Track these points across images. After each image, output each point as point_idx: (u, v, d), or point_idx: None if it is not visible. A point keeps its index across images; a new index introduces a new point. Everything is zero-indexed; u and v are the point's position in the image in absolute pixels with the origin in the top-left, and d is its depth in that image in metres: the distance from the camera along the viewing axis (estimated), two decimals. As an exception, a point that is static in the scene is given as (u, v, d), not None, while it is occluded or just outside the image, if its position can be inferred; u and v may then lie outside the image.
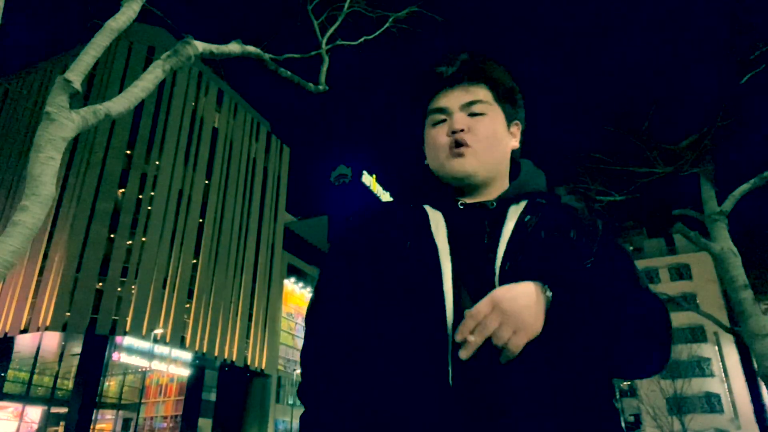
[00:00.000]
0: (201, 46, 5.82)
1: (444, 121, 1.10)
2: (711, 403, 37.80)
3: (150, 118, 37.17)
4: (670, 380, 37.11)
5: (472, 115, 1.08)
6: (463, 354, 0.86)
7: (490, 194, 1.09)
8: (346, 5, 8.64)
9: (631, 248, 48.47)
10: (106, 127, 34.87)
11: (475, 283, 0.95)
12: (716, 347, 38.86)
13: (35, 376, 31.72)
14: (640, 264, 44.07)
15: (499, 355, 0.86)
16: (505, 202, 1.06)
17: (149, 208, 35.65)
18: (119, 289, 33.07)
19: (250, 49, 6.71)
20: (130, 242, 34.24)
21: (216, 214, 40.93)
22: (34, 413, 31.28)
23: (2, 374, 30.65)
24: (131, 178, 35.45)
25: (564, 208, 1.10)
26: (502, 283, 0.93)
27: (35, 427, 31.00)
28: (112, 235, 33.67)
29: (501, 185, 1.11)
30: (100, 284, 32.40)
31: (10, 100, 41.57)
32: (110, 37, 5.03)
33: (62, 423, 31.48)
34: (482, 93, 1.10)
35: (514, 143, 1.15)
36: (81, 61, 4.69)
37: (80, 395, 30.31)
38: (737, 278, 8.84)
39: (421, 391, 0.90)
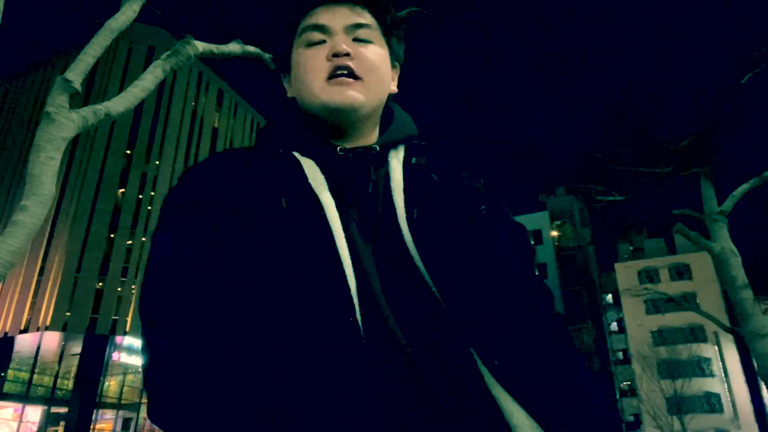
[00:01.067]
0: (201, 46, 5.82)
1: (323, 42, 0.90)
2: (711, 403, 37.79)
3: (150, 118, 37.17)
4: (670, 380, 37.11)
5: (357, 40, 0.90)
6: None
7: (367, 138, 0.92)
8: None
9: (632, 248, 48.48)
10: (106, 127, 34.86)
11: (378, 241, 0.82)
12: (716, 347, 38.85)
13: (35, 376, 31.71)
14: (640, 264, 44.06)
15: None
16: (384, 147, 0.91)
17: (149, 208, 35.65)
18: (119, 289, 33.08)
19: (250, 49, 6.71)
20: (130, 242, 34.24)
21: (216, 214, 40.96)
22: (34, 413, 31.28)
23: (2, 374, 30.65)
24: (131, 178, 35.46)
25: (446, 150, 0.95)
26: (413, 233, 0.81)
27: (35, 427, 31.00)
28: (112, 235, 33.68)
29: (375, 130, 0.94)
30: (100, 284, 32.41)
31: (10, 100, 41.57)
32: (110, 37, 5.03)
33: (62, 423, 31.47)
34: (370, 19, 0.92)
35: (393, 86, 0.98)
36: (81, 61, 4.69)
37: (80, 395, 30.31)
38: (737, 278, 8.84)
39: (335, 388, 0.70)
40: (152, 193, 36.17)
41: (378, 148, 0.89)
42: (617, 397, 44.39)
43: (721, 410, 37.49)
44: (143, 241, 34.73)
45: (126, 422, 35.86)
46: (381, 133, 0.94)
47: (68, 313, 30.85)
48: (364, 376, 0.71)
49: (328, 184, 0.83)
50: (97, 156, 34.54)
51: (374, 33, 0.92)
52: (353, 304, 0.74)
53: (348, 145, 0.89)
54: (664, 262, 43.59)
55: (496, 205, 0.94)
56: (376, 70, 0.90)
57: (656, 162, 10.71)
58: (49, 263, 32.10)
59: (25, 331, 31.14)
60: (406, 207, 0.84)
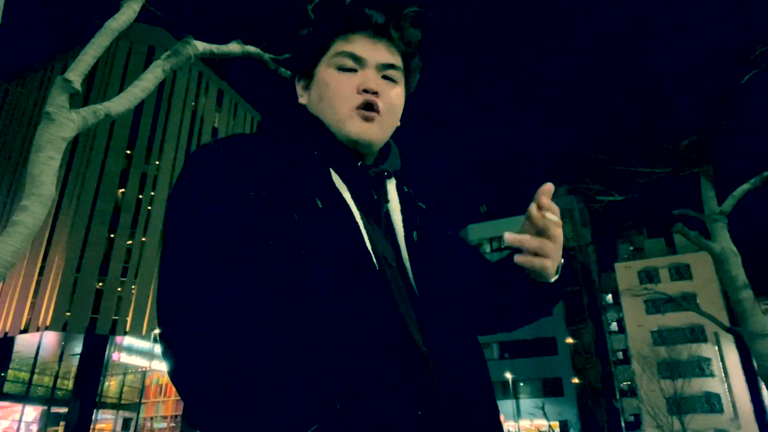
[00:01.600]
0: (201, 46, 5.82)
1: (354, 71, 0.94)
2: (711, 403, 37.79)
3: (150, 118, 37.18)
4: (670, 380, 37.12)
5: (386, 78, 0.95)
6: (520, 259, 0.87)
7: (367, 160, 0.97)
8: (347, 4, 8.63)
9: (632, 248, 48.47)
10: (106, 127, 34.87)
11: (392, 240, 0.91)
12: (716, 347, 38.85)
13: (35, 376, 31.71)
14: (640, 264, 44.08)
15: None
16: (381, 174, 0.98)
17: (149, 208, 35.66)
18: (119, 289, 33.08)
19: (250, 49, 6.71)
20: (130, 242, 34.24)
21: (216, 214, 40.96)
22: (34, 413, 31.28)
23: (2, 374, 30.65)
24: (131, 178, 35.46)
25: (422, 185, 1.08)
26: (410, 253, 0.89)
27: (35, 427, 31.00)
28: (112, 235, 33.68)
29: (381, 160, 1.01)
30: (100, 284, 32.41)
31: (10, 101, 41.57)
32: (110, 37, 5.03)
33: (62, 423, 31.48)
34: (399, 60, 0.98)
35: (398, 122, 1.04)
36: (81, 61, 4.69)
37: (80, 395, 30.31)
38: (737, 278, 8.84)
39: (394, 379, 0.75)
40: (152, 193, 36.17)
41: (389, 173, 0.98)
42: (617, 396, 44.41)
43: (721, 410, 37.48)
44: (143, 241, 34.73)
45: (126, 422, 35.85)
46: (378, 159, 1.00)
47: (68, 313, 30.85)
48: (398, 379, 0.76)
49: (350, 192, 0.89)
50: (97, 156, 34.55)
51: (399, 74, 0.98)
52: (395, 307, 0.81)
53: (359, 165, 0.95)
54: (664, 262, 43.57)
55: (455, 228, 1.09)
56: (395, 110, 0.97)
57: (656, 162, 10.72)
58: (49, 263, 32.11)
59: (25, 331, 31.15)
60: (404, 229, 0.92)
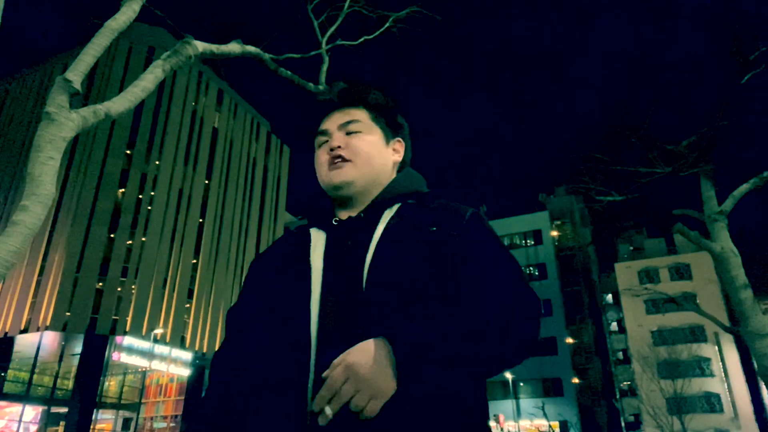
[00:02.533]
0: (201, 46, 5.82)
1: (326, 141, 1.21)
2: (711, 403, 37.77)
3: (150, 118, 37.16)
4: (670, 380, 37.11)
5: (349, 133, 1.19)
6: (321, 421, 0.88)
7: (364, 204, 1.17)
8: (346, 5, 8.63)
9: (632, 248, 48.45)
10: (106, 127, 34.86)
11: (345, 296, 1.00)
12: (716, 347, 38.84)
13: (35, 376, 31.70)
14: (640, 264, 44.05)
15: (356, 414, 0.88)
16: (378, 209, 1.14)
17: (149, 208, 35.64)
18: (119, 289, 33.07)
19: (250, 49, 6.71)
20: (130, 242, 34.23)
21: (216, 214, 40.93)
22: (34, 413, 31.27)
23: (2, 374, 30.65)
24: (131, 178, 35.44)
25: (433, 206, 1.14)
26: (369, 291, 0.98)
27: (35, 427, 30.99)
28: (112, 235, 33.67)
29: (376, 195, 1.18)
30: (100, 284, 32.40)
31: (10, 100, 41.56)
32: (110, 37, 5.03)
33: (62, 423, 31.47)
34: (359, 114, 1.21)
35: (396, 157, 1.25)
36: (81, 61, 4.69)
37: (80, 395, 30.30)
38: (737, 278, 8.84)
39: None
40: (152, 193, 36.16)
41: (363, 214, 1.13)
42: (617, 396, 44.39)
43: (721, 410, 37.47)
44: (143, 241, 34.73)
45: (126, 422, 35.85)
46: (377, 198, 1.17)
47: (68, 313, 30.84)
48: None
49: (324, 249, 1.09)
50: (97, 156, 34.53)
51: (362, 124, 1.20)
52: (309, 352, 0.97)
53: (352, 213, 1.16)
54: (664, 262, 43.56)
55: (473, 237, 1.08)
56: (362, 153, 1.17)
57: (656, 162, 10.71)
58: (49, 263, 32.09)
59: (25, 331, 31.14)
60: (370, 266, 1.01)
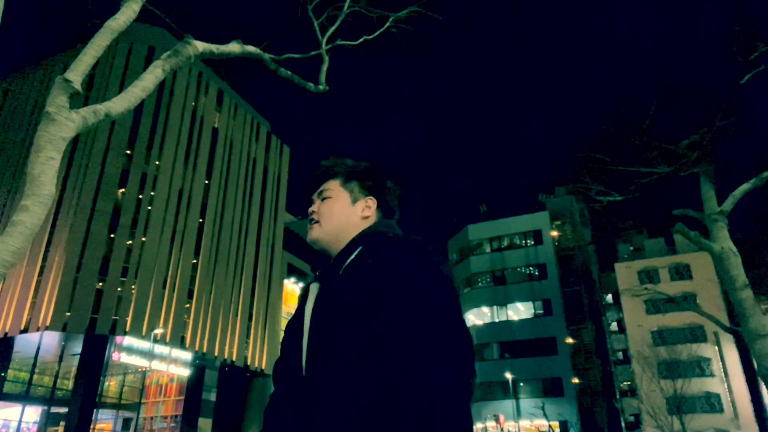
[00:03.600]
0: (201, 46, 5.81)
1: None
2: (711, 403, 37.77)
3: (150, 118, 37.15)
4: (670, 380, 37.10)
5: (323, 199, 1.48)
6: None
7: (333, 256, 1.44)
8: (346, 5, 8.63)
9: (632, 248, 48.44)
10: (106, 127, 34.86)
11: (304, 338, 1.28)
12: (716, 347, 38.83)
13: (35, 376, 31.71)
14: (640, 264, 44.04)
15: None
16: (342, 257, 1.35)
17: (149, 208, 35.64)
18: (119, 289, 33.06)
19: (250, 49, 6.71)
20: (130, 242, 34.23)
21: (216, 214, 40.92)
22: (34, 413, 31.29)
23: (2, 374, 30.65)
24: (131, 178, 35.44)
25: (367, 252, 1.32)
26: (308, 360, 1.22)
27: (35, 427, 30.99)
28: (112, 235, 33.66)
29: (341, 247, 1.43)
30: (100, 284, 32.39)
31: (10, 100, 41.55)
32: (110, 37, 5.03)
33: (62, 423, 31.47)
34: (332, 184, 1.49)
35: (366, 212, 1.46)
36: (81, 61, 4.69)
37: (80, 395, 30.30)
38: (737, 278, 8.84)
39: None
40: (152, 193, 36.15)
41: (318, 274, 1.41)
42: (617, 396, 44.38)
43: (721, 410, 37.46)
44: (143, 241, 34.72)
45: (126, 422, 35.85)
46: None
47: (68, 313, 30.84)
48: None
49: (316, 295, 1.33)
50: (97, 156, 34.52)
51: (332, 191, 1.48)
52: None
53: (321, 267, 1.43)
54: (664, 262, 43.54)
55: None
56: (325, 214, 1.45)
57: (656, 162, 10.71)
58: (49, 263, 32.09)
59: (25, 331, 31.13)
60: (310, 322, 1.28)
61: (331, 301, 1.24)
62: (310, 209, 1.50)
